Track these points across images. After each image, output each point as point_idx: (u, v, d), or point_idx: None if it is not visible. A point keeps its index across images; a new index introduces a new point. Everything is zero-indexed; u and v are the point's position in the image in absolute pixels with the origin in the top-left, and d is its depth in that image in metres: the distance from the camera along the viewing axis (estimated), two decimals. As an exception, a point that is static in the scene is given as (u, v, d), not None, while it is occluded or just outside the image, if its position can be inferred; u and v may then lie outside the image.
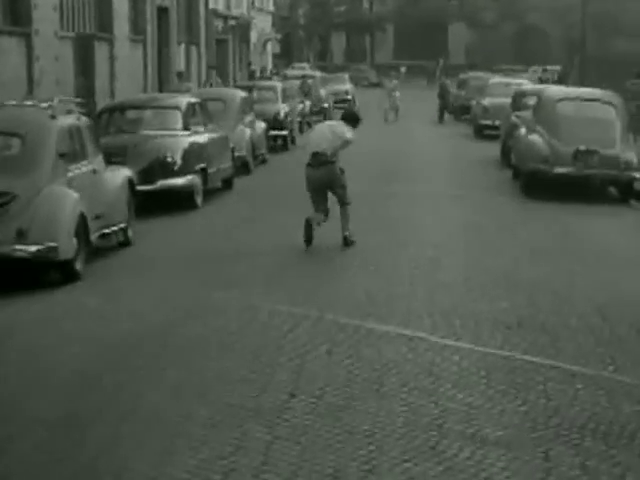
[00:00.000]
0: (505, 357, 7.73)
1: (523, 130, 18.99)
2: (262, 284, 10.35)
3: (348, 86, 49.00)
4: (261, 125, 22.55)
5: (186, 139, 15.89)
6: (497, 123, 29.80)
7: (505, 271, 11.00)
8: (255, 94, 26.14)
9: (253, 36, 49.69)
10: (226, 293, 9.85)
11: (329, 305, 9.27)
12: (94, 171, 11.31)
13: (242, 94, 21.77)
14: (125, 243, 12.33)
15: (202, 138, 16.53)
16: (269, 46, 54.66)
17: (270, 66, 53.88)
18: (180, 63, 36.79)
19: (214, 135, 17.28)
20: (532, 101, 21.58)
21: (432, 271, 11.02)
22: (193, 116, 16.70)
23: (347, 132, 12.40)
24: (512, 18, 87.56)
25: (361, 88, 69.52)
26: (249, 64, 40.60)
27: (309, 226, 12.06)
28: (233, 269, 11.11)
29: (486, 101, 30.65)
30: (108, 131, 16.21)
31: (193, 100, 17.27)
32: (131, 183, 12.59)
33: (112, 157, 14.34)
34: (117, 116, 16.61)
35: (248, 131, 20.73)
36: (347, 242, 12.26)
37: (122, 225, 12.10)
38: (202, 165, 16.04)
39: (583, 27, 46.18)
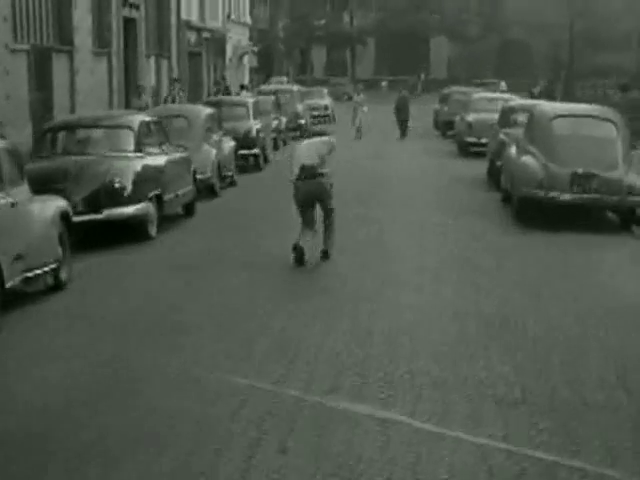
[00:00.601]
0: (509, 452, 6.02)
1: (514, 150, 17.34)
2: (212, 343, 8.59)
3: (327, 101, 47.35)
4: (229, 144, 20.84)
5: (138, 162, 14.09)
6: (483, 140, 28.33)
7: (504, 322, 9.28)
8: (225, 110, 24.47)
9: (229, 49, 47.98)
10: (167, 358, 8.10)
11: (288, 375, 7.54)
12: (13, 204, 9.51)
13: (208, 110, 20.04)
14: (56, 286, 10.53)
15: (157, 160, 14.76)
16: (246, 60, 52.94)
17: (246, 80, 52.20)
18: (150, 77, 35.10)
19: (172, 156, 15.54)
20: (522, 118, 20.01)
21: (415, 323, 9.28)
22: (148, 136, 14.90)
23: (329, 137, 12.70)
24: (495, 32, 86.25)
25: (341, 103, 68.15)
26: (223, 78, 38.81)
27: (300, 251, 11.87)
28: (182, 322, 9.34)
29: (470, 117, 29.04)
30: (52, 153, 14.47)
31: (148, 118, 15.47)
32: (65, 215, 10.79)
33: (52, 183, 12.66)
34: (62, 136, 14.77)
35: (214, 151, 19.00)
36: (327, 256, 12.15)
37: (52, 265, 10.32)
38: (157, 191, 14.26)
39: (571, 42, 44.69)
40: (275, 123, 31.41)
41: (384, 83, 77.83)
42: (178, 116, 19.18)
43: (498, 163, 19.84)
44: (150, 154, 14.57)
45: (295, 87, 38.98)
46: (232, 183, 20.92)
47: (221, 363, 7.89)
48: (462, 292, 10.67)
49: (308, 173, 12.04)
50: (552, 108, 16.60)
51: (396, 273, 11.66)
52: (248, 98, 26.29)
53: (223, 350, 8.30)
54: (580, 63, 71.37)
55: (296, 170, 12.12)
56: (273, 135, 30.72)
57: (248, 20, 54.52)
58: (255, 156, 24.23)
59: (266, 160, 26.44)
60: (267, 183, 22.17)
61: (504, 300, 10.24)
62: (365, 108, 37.90)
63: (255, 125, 24.35)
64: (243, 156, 23.89)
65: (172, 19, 36.95)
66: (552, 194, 14.94)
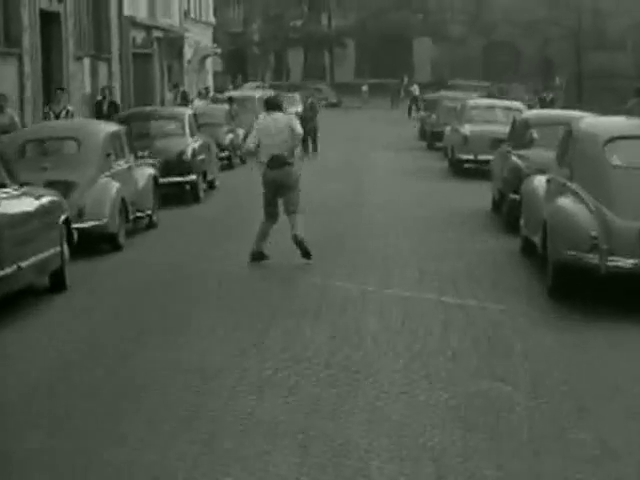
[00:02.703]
0: None
1: (540, 185, 12.01)
2: None
3: (299, 108, 41.85)
4: (146, 172, 15.40)
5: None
6: (481, 157, 23.03)
7: None
8: (153, 126, 19.08)
9: (188, 51, 42.48)
10: None
11: None
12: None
13: (109, 129, 14.40)
14: None
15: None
16: (209, 63, 47.43)
17: (210, 86, 46.74)
18: (84, 83, 29.62)
19: (25, 204, 10.10)
20: (546, 134, 14.72)
21: None
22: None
23: (297, 126, 12.38)
24: (480, 33, 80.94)
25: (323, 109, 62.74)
26: (175, 85, 33.32)
27: (260, 254, 12.22)
28: None
29: (466, 129, 23.69)
30: None
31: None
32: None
33: None
34: None
35: (116, 185, 13.51)
36: (303, 245, 12.12)
37: None
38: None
39: (577, 37, 39.33)
40: (229, 137, 26.03)
41: (365, 87, 72.74)
42: (65, 138, 13.72)
43: (512, 196, 14.49)
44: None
45: (258, 93, 33.48)
46: (151, 226, 15.48)
47: None
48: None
49: (277, 161, 12.10)
50: (601, 126, 11.11)
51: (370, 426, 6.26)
52: (187, 109, 20.73)
53: None
54: (576, 64, 66.24)
55: (263, 159, 12.18)
56: (225, 153, 25.35)
57: (211, 19, 48.95)
58: (192, 184, 18.75)
59: (212, 186, 21.02)
60: (206, 221, 16.77)
61: None
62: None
63: (192, 144, 18.90)
64: (176, 184, 18.51)
65: (111, 14, 31.46)
66: (613, 260, 9.52)
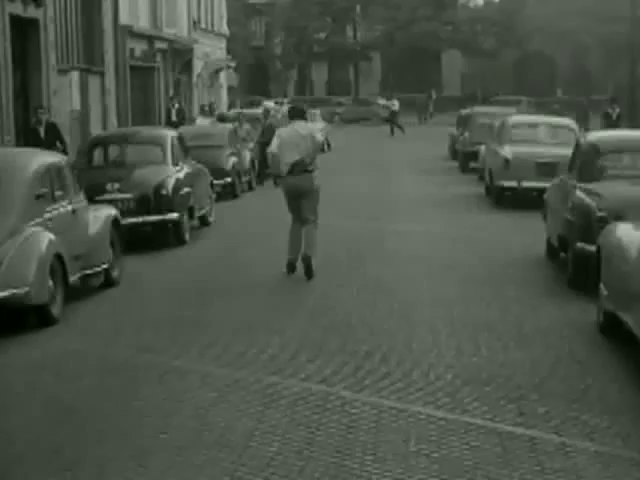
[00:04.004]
0: None
1: (629, 240, 8.44)
2: None
3: (319, 125, 38.36)
4: (100, 215, 11.85)
5: None
6: (525, 184, 19.53)
7: None
8: (130, 152, 15.64)
9: (197, 65, 39.08)
10: None
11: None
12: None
13: (46, 161, 10.81)
14: None
15: None
16: (222, 77, 44.00)
17: (224, 103, 43.38)
18: (73, 100, 26.29)
19: None
20: (624, 163, 11.16)
21: None
22: None
23: (317, 134, 12.39)
24: (513, 44, 76.95)
25: (342, 125, 59.42)
26: (171, 98, 29.81)
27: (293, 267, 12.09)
28: None
29: (506, 151, 20.06)
30: None
31: None
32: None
33: None
34: None
35: (47, 237, 9.96)
36: (309, 266, 11.87)
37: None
38: None
39: (632, 52, 35.46)
40: (232, 161, 22.55)
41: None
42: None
43: (580, 245, 10.88)
44: None
45: (283, 108, 29.92)
46: (108, 283, 11.92)
47: None
48: None
49: (298, 168, 12.01)
50: None
51: None
52: (170, 130, 17.14)
53: None
54: (615, 75, 62.40)
55: (284, 169, 12.11)
56: (225, 179, 21.90)
57: (225, 30, 45.46)
58: (175, 225, 15.18)
59: (204, 222, 17.55)
60: (188, 272, 13.27)
61: None
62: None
63: (175, 174, 15.35)
64: (159, 225, 15.04)
65: (105, 23, 28.07)
66: None
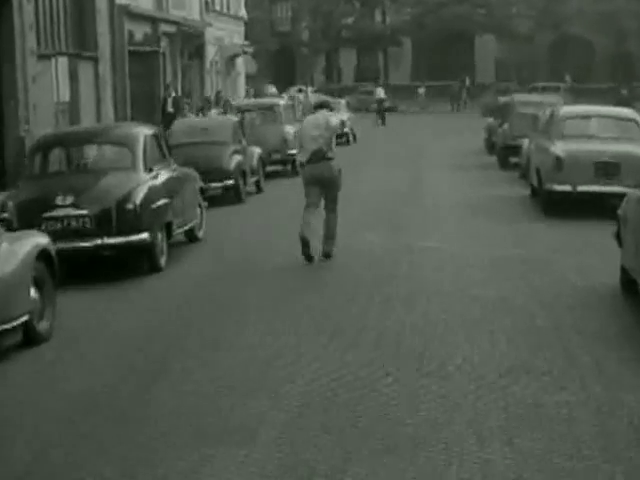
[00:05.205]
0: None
1: None
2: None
3: (344, 116, 35.06)
4: (20, 248, 8.69)
5: None
6: (581, 189, 16.28)
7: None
8: (90, 156, 12.51)
9: (210, 50, 35.90)
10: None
11: None
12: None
13: None
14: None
15: None
16: (240, 64, 40.77)
17: (242, 91, 40.19)
18: (60, 89, 23.24)
19: None
20: None
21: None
22: None
23: (332, 119, 12.56)
24: (549, 27, 73.17)
25: (369, 114, 56.07)
26: (167, 87, 26.65)
27: (307, 243, 11.90)
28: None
29: (558, 147, 16.72)
30: None
31: None
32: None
33: None
34: None
35: None
36: (328, 255, 12.12)
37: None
38: None
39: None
40: (235, 160, 19.39)
41: (422, 90, 66.53)
42: None
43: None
44: None
45: (282, 100, 26.69)
46: (32, 339, 8.76)
47: None
48: None
49: (317, 156, 12.07)
50: None
51: None
52: (142, 127, 13.83)
53: None
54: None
55: (303, 158, 12.32)
56: (229, 182, 18.82)
57: (242, 13, 42.17)
58: (146, 248, 11.96)
59: (193, 238, 14.39)
60: (157, 313, 10.16)
61: None
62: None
63: (145, 183, 12.13)
64: (121, 249, 11.87)
65: (98, 3, 24.96)
66: None
